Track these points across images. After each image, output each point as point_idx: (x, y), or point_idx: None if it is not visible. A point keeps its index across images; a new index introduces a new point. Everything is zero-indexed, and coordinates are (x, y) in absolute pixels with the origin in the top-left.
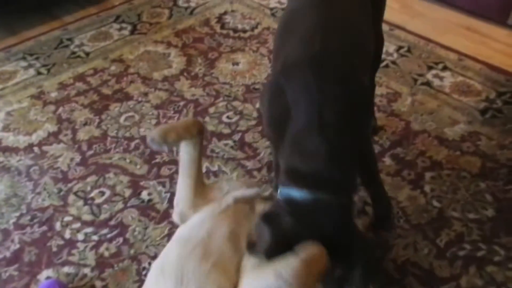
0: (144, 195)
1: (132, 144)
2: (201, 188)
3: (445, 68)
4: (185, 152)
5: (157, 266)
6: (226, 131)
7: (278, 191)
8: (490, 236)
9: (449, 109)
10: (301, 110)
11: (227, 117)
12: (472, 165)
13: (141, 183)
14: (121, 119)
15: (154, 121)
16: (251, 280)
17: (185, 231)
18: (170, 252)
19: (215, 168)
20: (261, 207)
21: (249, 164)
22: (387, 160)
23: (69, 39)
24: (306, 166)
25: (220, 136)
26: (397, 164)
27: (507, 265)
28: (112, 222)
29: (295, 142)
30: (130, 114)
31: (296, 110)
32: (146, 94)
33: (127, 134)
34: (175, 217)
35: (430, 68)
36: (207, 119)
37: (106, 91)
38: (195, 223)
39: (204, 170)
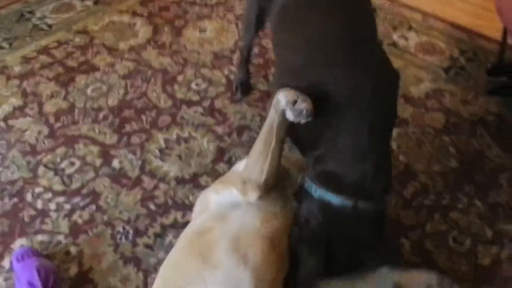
0: (115, 163)
1: (101, 115)
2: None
3: (410, 29)
4: (280, 113)
5: (236, 244)
6: (196, 98)
7: (313, 190)
8: (453, 186)
9: (414, 69)
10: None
11: (196, 84)
12: (437, 121)
13: (112, 152)
14: (88, 91)
15: (122, 91)
16: None
17: (272, 231)
18: (257, 245)
19: (186, 135)
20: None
21: (219, 129)
22: None
23: (30, 12)
24: (349, 173)
25: (190, 104)
26: None
27: (469, 211)
28: (84, 191)
29: (340, 149)
30: (97, 85)
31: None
32: (112, 65)
33: (95, 105)
34: (254, 192)
35: (395, 29)
36: (175, 87)
37: (71, 63)
38: (278, 227)
39: (174, 136)
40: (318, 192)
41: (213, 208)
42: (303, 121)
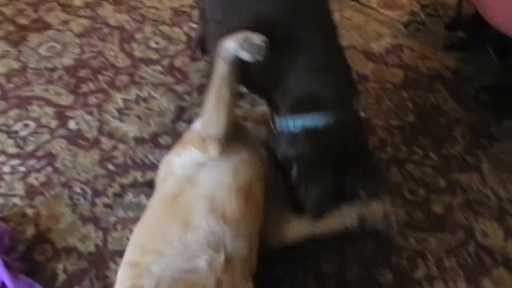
0: (72, 124)
1: (55, 75)
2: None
3: None
4: (230, 63)
5: (212, 204)
6: (155, 56)
7: (291, 124)
8: (410, 139)
9: (375, 24)
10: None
11: (155, 42)
12: (396, 77)
13: (68, 114)
14: (41, 50)
15: (77, 50)
16: None
17: (245, 182)
18: (233, 200)
19: (145, 94)
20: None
21: (180, 88)
22: None
23: None
24: (320, 88)
25: (148, 62)
26: None
27: (424, 163)
28: (40, 153)
29: (303, 70)
30: (51, 44)
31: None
32: (66, 22)
33: (50, 65)
34: (215, 147)
35: None
36: (133, 45)
37: (22, 21)
38: (251, 177)
39: (133, 96)
40: (298, 121)
41: (178, 172)
42: (261, 57)
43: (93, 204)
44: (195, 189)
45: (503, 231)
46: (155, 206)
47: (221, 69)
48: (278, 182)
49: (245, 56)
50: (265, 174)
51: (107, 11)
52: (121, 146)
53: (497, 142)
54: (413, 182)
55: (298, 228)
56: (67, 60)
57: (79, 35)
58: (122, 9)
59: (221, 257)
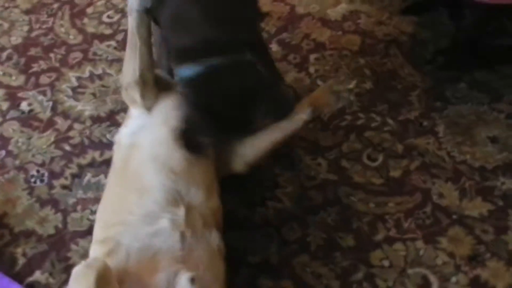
0: (24, 106)
1: (4, 55)
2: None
3: None
4: (136, 16)
5: (159, 162)
6: (108, 31)
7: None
8: (368, 106)
9: None
10: None
11: (108, 16)
12: (353, 43)
13: (19, 94)
14: None
15: (26, 28)
16: None
17: (161, 131)
18: (174, 151)
19: (99, 71)
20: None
21: None
22: (274, 46)
23: None
24: (190, 40)
25: (102, 38)
26: (283, 49)
27: (382, 129)
28: None
29: (174, 22)
30: None
31: None
32: None
33: None
34: (132, 86)
35: None
36: (85, 20)
37: None
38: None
39: (87, 74)
40: (183, 71)
41: (124, 141)
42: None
43: (51, 186)
44: (139, 153)
45: (458, 192)
46: (110, 181)
47: (130, 23)
48: None
49: (135, 4)
50: None
51: None
52: (77, 126)
53: (451, 105)
54: (372, 148)
55: (254, 146)
56: (16, 39)
57: (27, 12)
58: None
59: (181, 210)
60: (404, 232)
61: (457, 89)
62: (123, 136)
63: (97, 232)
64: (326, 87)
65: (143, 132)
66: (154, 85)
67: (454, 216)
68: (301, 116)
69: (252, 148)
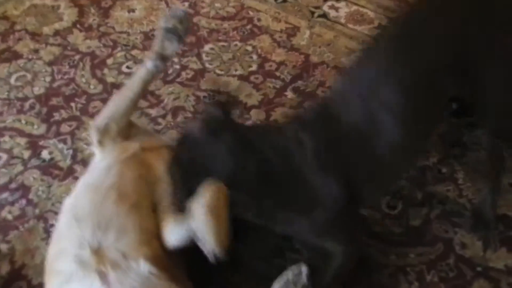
0: (45, 154)
1: (27, 105)
2: (128, 116)
3: None
4: (143, 73)
5: (68, 213)
6: (127, 81)
7: None
8: None
9: (345, 39)
10: None
11: (127, 67)
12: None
13: (41, 143)
14: (12, 80)
15: (48, 78)
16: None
17: (92, 177)
18: (81, 199)
19: None
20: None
21: (153, 112)
22: (289, 94)
23: None
24: None
25: (121, 87)
26: (298, 97)
27: None
28: (13, 185)
29: None
30: (21, 73)
31: None
32: (36, 51)
33: (20, 95)
34: (93, 131)
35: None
36: (105, 71)
37: None
38: (101, 169)
39: None
40: None
41: None
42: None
43: None
44: (66, 203)
45: (482, 242)
46: None
47: (140, 73)
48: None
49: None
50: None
51: (77, 38)
52: None
53: (470, 151)
54: (391, 195)
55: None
56: (38, 89)
57: (49, 63)
58: (93, 35)
59: (87, 251)
60: (427, 285)
61: (475, 135)
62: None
63: None
64: None
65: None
66: (117, 137)
67: (479, 268)
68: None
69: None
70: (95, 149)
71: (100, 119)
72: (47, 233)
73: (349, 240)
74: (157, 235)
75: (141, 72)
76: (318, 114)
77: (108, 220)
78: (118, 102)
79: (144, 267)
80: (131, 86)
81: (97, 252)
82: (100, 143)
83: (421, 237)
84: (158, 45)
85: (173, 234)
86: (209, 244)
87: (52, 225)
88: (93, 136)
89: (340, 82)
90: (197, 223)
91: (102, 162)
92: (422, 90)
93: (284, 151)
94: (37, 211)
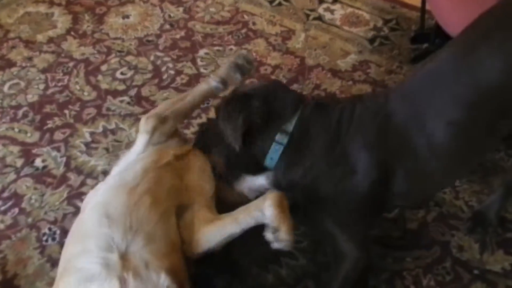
0: (38, 162)
1: (20, 113)
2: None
3: (335, 1)
4: (205, 88)
5: (97, 210)
6: (121, 87)
7: None
8: None
9: (340, 41)
10: None
11: (121, 73)
12: (364, 92)
13: (34, 151)
14: (5, 88)
15: (42, 86)
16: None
17: (128, 177)
18: (113, 198)
19: (113, 126)
20: (197, 162)
21: None
22: None
23: None
24: None
25: (115, 93)
26: None
27: None
28: (5, 194)
29: None
30: (15, 81)
31: None
32: (30, 59)
33: (14, 103)
34: (152, 117)
35: (321, 2)
36: (99, 77)
37: None
38: (138, 171)
39: (100, 129)
40: None
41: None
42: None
43: (63, 244)
44: (93, 200)
45: (479, 244)
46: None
47: (203, 87)
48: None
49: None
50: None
51: (71, 45)
52: (90, 181)
53: None
54: None
55: (209, 235)
56: (32, 97)
57: (43, 71)
58: (87, 42)
59: (115, 255)
60: None
61: None
62: (113, 174)
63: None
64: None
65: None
66: (167, 133)
67: (476, 271)
68: (264, 212)
69: (206, 239)
70: (142, 137)
71: (161, 110)
72: (40, 242)
73: (363, 245)
74: (178, 248)
75: (203, 86)
76: (377, 101)
77: (140, 225)
78: (178, 103)
79: (164, 280)
80: (193, 94)
81: (123, 256)
82: (154, 130)
83: (418, 240)
84: (224, 72)
85: (212, 237)
86: (283, 233)
87: (44, 234)
88: (149, 123)
89: (409, 81)
90: (273, 218)
91: (138, 163)
92: (487, 107)
93: (336, 123)
94: (29, 220)
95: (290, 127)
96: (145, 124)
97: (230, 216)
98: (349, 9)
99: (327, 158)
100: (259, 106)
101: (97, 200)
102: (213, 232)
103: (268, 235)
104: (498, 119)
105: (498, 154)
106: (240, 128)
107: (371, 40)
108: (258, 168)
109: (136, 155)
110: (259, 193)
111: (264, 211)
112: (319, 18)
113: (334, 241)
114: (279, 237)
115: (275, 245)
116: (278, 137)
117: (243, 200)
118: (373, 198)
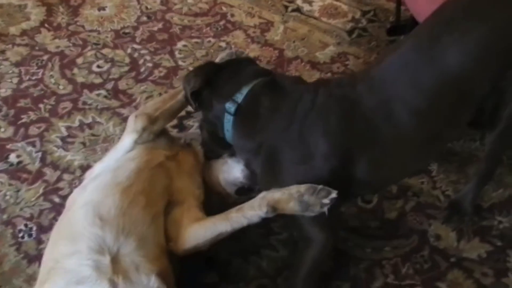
0: (13, 158)
1: None
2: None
3: None
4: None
5: (89, 210)
6: (98, 80)
7: None
8: None
9: (319, 33)
10: None
11: (98, 66)
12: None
13: (8, 146)
14: None
15: (15, 80)
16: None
17: (121, 177)
18: (106, 198)
19: (89, 120)
20: (187, 164)
21: (125, 111)
22: None
23: None
24: None
25: (92, 87)
26: None
27: None
28: None
29: None
30: None
31: None
32: (3, 52)
33: None
34: (142, 117)
35: None
36: (75, 70)
37: None
38: (131, 171)
39: (77, 123)
40: None
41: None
42: None
43: (39, 241)
44: (81, 197)
45: (455, 232)
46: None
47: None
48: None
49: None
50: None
51: (45, 37)
52: (66, 176)
53: None
54: None
55: (198, 233)
56: (5, 91)
57: (16, 64)
58: (62, 34)
59: (106, 258)
60: (402, 278)
61: None
62: (97, 170)
63: (39, 275)
64: (296, 194)
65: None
66: (156, 133)
67: (452, 259)
68: (257, 212)
69: (195, 236)
70: (130, 136)
71: (151, 110)
72: (16, 239)
73: (327, 227)
74: (166, 251)
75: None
76: (343, 88)
77: (132, 226)
78: (169, 102)
79: (154, 283)
80: (184, 93)
81: (114, 259)
82: (143, 130)
83: (396, 230)
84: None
85: (201, 234)
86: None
87: (20, 231)
88: (139, 123)
89: (377, 65)
90: (272, 202)
91: (131, 162)
92: (449, 96)
93: (297, 106)
94: (4, 216)
95: (240, 97)
96: (134, 123)
97: (221, 214)
98: (328, 1)
99: (281, 137)
100: (212, 71)
101: (87, 198)
102: (203, 229)
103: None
104: (460, 108)
105: (474, 144)
106: (191, 88)
107: (350, 32)
108: (225, 143)
109: (123, 153)
110: (236, 187)
111: (261, 207)
112: (298, 9)
113: (298, 225)
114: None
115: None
116: (227, 105)
117: (226, 191)
118: (334, 184)
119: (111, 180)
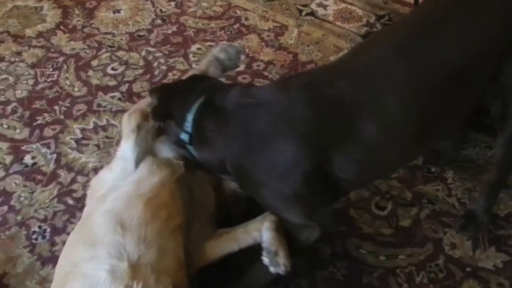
0: (28, 159)
1: (9, 108)
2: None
3: None
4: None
5: (110, 218)
6: (112, 83)
7: None
8: None
9: (333, 37)
10: None
11: (112, 68)
12: None
13: (23, 147)
14: None
15: (31, 81)
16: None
17: (145, 189)
18: (128, 208)
19: (104, 123)
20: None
21: None
22: None
23: None
24: None
25: (106, 89)
26: None
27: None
28: None
29: None
30: (3, 76)
31: None
32: (19, 54)
33: (2, 98)
34: (136, 114)
35: None
36: (90, 73)
37: None
38: (154, 183)
39: (91, 125)
40: None
41: (102, 191)
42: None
43: (53, 243)
44: (102, 205)
45: (471, 241)
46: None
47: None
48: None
49: None
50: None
51: (61, 39)
52: (80, 179)
53: (459, 150)
54: (380, 196)
55: (210, 251)
56: (21, 92)
57: (32, 66)
58: (77, 36)
59: (124, 264)
60: (416, 287)
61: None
62: (109, 180)
63: (54, 278)
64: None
65: (118, 188)
66: (150, 131)
67: (468, 269)
68: (262, 235)
69: (206, 255)
70: (129, 139)
71: (144, 105)
72: (30, 240)
73: (312, 220)
74: (184, 266)
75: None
76: (315, 87)
77: (154, 238)
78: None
79: None
80: None
81: (134, 266)
82: (139, 128)
83: (410, 237)
84: (203, 65)
85: (211, 254)
86: (281, 258)
87: (34, 232)
88: (132, 120)
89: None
90: (271, 241)
91: (154, 175)
92: (449, 87)
93: (257, 110)
94: (19, 218)
95: (188, 126)
96: (129, 122)
97: (230, 234)
98: (342, 5)
99: (242, 157)
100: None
101: (109, 207)
102: (213, 249)
103: (265, 259)
104: (457, 101)
105: (490, 151)
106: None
107: (364, 36)
108: None
109: (131, 160)
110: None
111: (262, 233)
112: (312, 13)
113: (283, 221)
114: (277, 261)
115: (272, 269)
116: (182, 136)
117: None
118: (316, 186)
119: (133, 191)
